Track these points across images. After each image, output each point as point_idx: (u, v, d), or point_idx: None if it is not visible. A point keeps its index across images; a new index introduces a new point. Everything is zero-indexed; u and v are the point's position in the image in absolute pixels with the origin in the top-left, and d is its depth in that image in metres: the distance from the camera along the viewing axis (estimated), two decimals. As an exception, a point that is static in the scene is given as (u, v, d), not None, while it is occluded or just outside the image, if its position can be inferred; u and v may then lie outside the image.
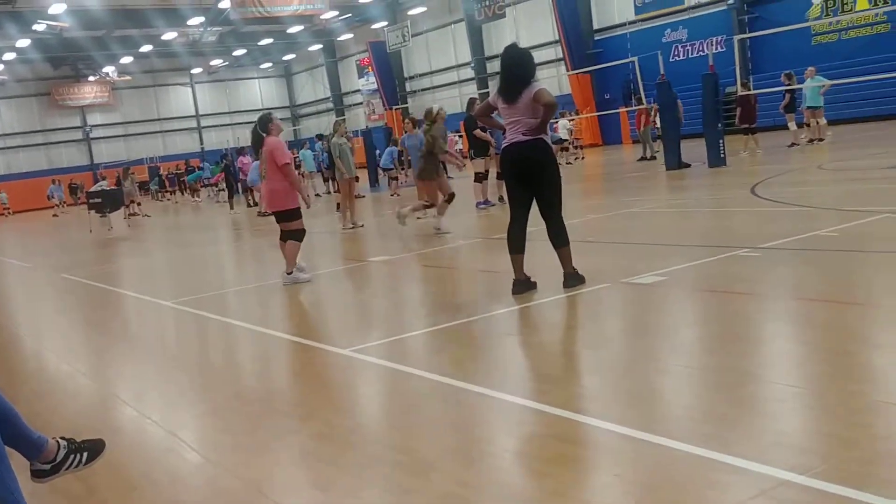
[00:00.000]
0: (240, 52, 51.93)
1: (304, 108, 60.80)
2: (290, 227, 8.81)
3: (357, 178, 14.83)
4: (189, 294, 9.03)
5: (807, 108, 19.62)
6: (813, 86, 19.25)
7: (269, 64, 58.38)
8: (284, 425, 4.33)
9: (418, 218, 13.97)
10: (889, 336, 4.63)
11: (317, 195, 25.14)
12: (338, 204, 18.02)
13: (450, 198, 11.89)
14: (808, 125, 19.83)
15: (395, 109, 42.26)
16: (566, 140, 26.08)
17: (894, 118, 24.18)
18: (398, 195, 20.70)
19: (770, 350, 4.68)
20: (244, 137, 26.21)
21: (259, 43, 48.66)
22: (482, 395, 4.32)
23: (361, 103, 52.01)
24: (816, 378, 4.06)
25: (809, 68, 19.86)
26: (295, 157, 26.57)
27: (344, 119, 15.62)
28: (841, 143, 18.66)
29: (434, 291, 7.89)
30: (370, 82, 49.56)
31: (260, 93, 60.54)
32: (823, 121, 19.63)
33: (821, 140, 19.32)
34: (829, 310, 5.29)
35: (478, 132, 14.32)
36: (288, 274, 8.82)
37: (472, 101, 14.98)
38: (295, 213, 8.79)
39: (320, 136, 24.75)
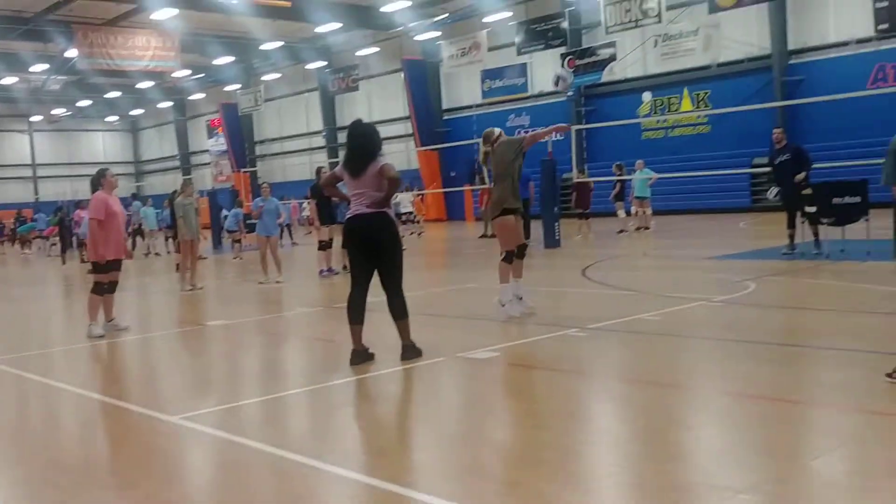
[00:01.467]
0: (85, 102, 49.71)
1: (150, 165, 58.80)
2: (95, 280, 9.11)
3: (199, 240, 14.45)
4: (9, 352, 8.40)
5: (635, 197, 21.04)
6: (641, 178, 20.71)
7: (116, 117, 56.25)
8: (100, 497, 4.09)
9: (259, 283, 13.74)
10: (699, 417, 4.98)
11: (155, 254, 24.23)
12: (177, 264, 17.45)
13: (507, 256, 8.83)
14: (636, 214, 21.22)
15: (244, 172, 41.65)
16: (410, 212, 26.64)
17: (713, 212, 26.31)
18: (241, 258, 20.27)
19: (593, 428, 4.91)
20: (83, 190, 24.93)
21: (106, 95, 46.86)
22: (314, 467, 4.27)
23: (209, 164, 50.93)
24: (634, 458, 4.29)
25: (638, 161, 21.37)
26: (129, 214, 25.56)
27: (190, 179, 15.26)
28: (665, 233, 20.07)
29: (270, 359, 7.75)
30: (219, 143, 48.73)
31: (104, 146, 58.08)
32: (649, 211, 21.07)
33: (647, 228, 20.70)
34: (647, 391, 5.63)
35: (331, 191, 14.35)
36: (90, 326, 9.02)
37: (320, 170, 15.14)
38: (98, 267, 9.05)
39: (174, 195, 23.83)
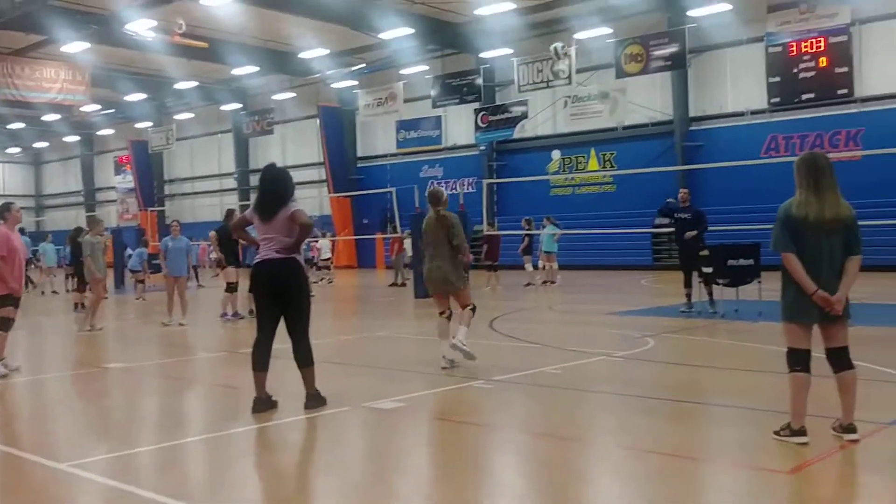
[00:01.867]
0: (-15, 133, 47.66)
1: (52, 200, 56.58)
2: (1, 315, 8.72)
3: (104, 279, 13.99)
4: None
5: (542, 252, 21.48)
6: (548, 233, 21.18)
7: (18, 149, 54.04)
8: (-24, 552, 3.86)
9: (163, 324, 13.34)
10: (597, 472, 5.08)
11: (53, 292, 23.26)
12: (76, 304, 16.81)
13: (472, 310, 8.81)
14: (543, 268, 21.64)
15: (151, 211, 40.62)
16: (329, 258, 26.47)
17: (616, 268, 27.07)
18: (144, 299, 19.66)
19: (495, 481, 4.94)
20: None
21: (8, 126, 45.06)
22: (209, 519, 4.14)
23: (115, 201, 49.43)
24: (533, 508, 4.34)
25: (546, 216, 21.87)
26: (35, 250, 24.60)
27: (99, 217, 14.77)
28: (570, 287, 20.51)
29: (169, 405, 7.50)
30: (127, 180, 47.44)
31: (3, 178, 55.62)
32: (556, 265, 21.53)
33: (553, 283, 21.11)
34: (549, 444, 5.71)
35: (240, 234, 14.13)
36: None
37: (230, 212, 14.91)
38: (1, 301, 8.68)
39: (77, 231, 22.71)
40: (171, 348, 11.39)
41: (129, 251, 25.72)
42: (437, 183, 33.98)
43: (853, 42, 23.76)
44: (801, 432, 5.18)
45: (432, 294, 8.79)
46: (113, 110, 42.67)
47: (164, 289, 14.11)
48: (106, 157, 50.93)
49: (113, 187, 50.13)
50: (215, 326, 13.72)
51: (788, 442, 5.19)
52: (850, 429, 5.22)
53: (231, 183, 42.81)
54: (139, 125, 44.52)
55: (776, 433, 5.30)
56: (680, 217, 13.34)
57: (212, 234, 14.72)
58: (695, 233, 12.98)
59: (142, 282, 20.93)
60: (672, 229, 13.87)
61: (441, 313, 8.67)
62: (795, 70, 24.48)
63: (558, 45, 26.68)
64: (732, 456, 5.19)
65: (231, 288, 14.36)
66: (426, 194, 9.00)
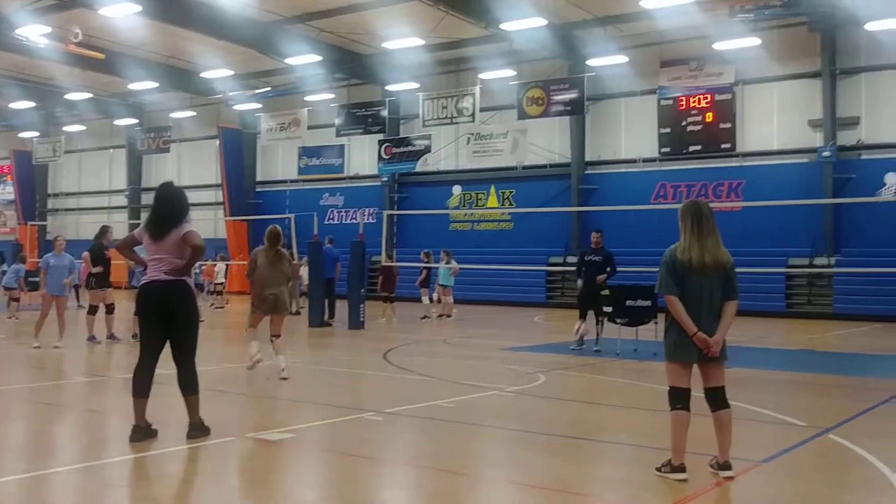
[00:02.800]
0: None
1: (-82, 207, 53.10)
2: None
3: None
4: None
5: (439, 285, 21.57)
6: (445, 267, 21.32)
7: None
8: None
9: (35, 347, 12.65)
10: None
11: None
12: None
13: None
14: (439, 301, 21.72)
15: (31, 225, 38.69)
16: (222, 283, 25.86)
17: (511, 304, 27.45)
18: (17, 318, 18.62)
19: (381, 514, 4.86)
20: None
21: None
22: (75, 553, 3.90)
23: (-8, 212, 46.85)
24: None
25: (444, 250, 22.03)
26: None
27: None
28: (465, 321, 20.64)
29: (40, 431, 7.07)
30: (6, 191, 45.05)
31: None
32: (451, 299, 21.65)
33: (448, 316, 21.20)
34: (439, 478, 5.67)
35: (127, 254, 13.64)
36: None
37: (104, 230, 14.30)
38: None
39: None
40: (43, 371, 10.80)
41: (3, 267, 24.33)
42: (338, 211, 33.79)
43: (736, 100, 25.18)
44: (681, 469, 5.34)
45: (262, 313, 10.06)
46: (-5, 117, 40.66)
47: (38, 308, 13.35)
48: (-15, 166, 48.33)
49: (-9, 198, 47.56)
50: (93, 349, 13.11)
51: (669, 478, 5.34)
52: (726, 466, 5.42)
53: (121, 200, 41.29)
54: (24, 134, 42.48)
55: (658, 469, 5.45)
56: (590, 259, 13.57)
57: (85, 254, 14.09)
58: (604, 277, 13.24)
59: (16, 300, 19.83)
60: (573, 269, 14.13)
61: (252, 326, 10.15)
62: (684, 123, 25.73)
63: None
64: (617, 492, 5.29)
65: (93, 310, 13.81)
66: (267, 232, 10.16)
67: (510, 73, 27.73)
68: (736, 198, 25.16)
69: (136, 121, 38.80)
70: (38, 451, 6.25)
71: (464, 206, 30.96)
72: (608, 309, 13.09)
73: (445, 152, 30.97)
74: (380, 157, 30.96)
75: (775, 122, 25.34)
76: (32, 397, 8.70)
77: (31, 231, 38.22)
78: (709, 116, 25.40)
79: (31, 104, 36.94)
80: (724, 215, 22.86)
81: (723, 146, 25.26)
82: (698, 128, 25.51)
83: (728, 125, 25.14)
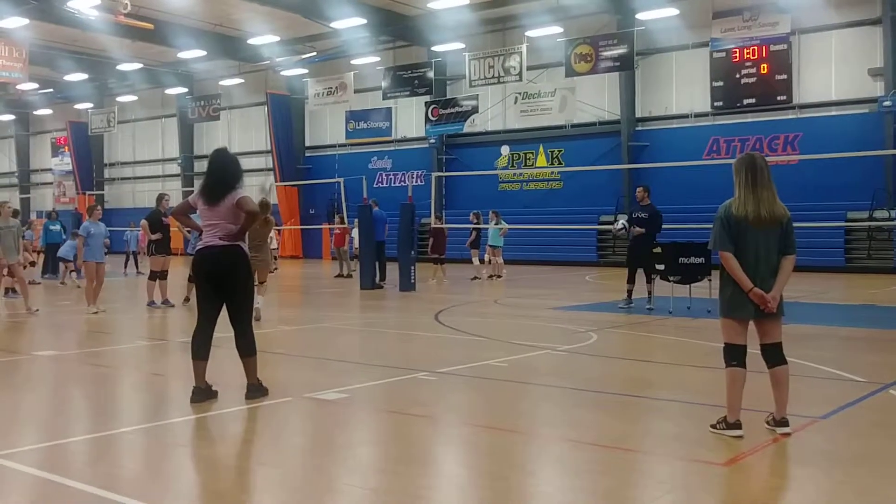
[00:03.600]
0: (-88, 108, 45.68)
1: (-17, 180, 54.70)
2: None
3: (32, 264, 13.64)
4: None
5: (489, 246, 21.57)
6: (494, 227, 21.29)
7: (-53, 127, 52.04)
8: None
9: (94, 313, 13.01)
10: (540, 463, 5.11)
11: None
12: (6, 289, 16.34)
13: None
14: (489, 262, 21.73)
15: (90, 195, 39.65)
16: (275, 248, 26.27)
17: (561, 264, 27.34)
18: (79, 286, 19.15)
19: (438, 473, 4.93)
20: None
21: (-62, 102, 43.39)
22: (143, 510, 4.05)
23: (52, 183, 48.05)
24: (476, 502, 4.34)
25: (493, 211, 21.98)
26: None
27: (3, 202, 14.24)
28: (515, 282, 20.63)
29: (103, 394, 7.31)
30: (65, 162, 46.12)
31: (-68, 156, 53.57)
32: (501, 260, 21.64)
33: (499, 277, 21.21)
34: (492, 436, 5.73)
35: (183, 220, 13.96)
36: None
37: (160, 197, 14.68)
38: None
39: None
40: (103, 336, 11.13)
41: (64, 236, 24.98)
42: (386, 175, 33.88)
43: (792, 50, 24.39)
44: (737, 425, 5.30)
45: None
46: (52, 90, 41.48)
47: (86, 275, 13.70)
48: (43, 138, 49.47)
49: (49, 169, 48.74)
50: (147, 314, 13.46)
51: (724, 435, 5.31)
52: (783, 422, 5.36)
53: (174, 168, 42.02)
54: (79, 106, 43.34)
55: (712, 426, 5.41)
56: (637, 216, 13.42)
57: (143, 222, 14.45)
58: (641, 231, 13.12)
59: (74, 271, 20.35)
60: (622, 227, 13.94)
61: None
62: (738, 75, 25.04)
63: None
64: (670, 448, 5.27)
65: (155, 275, 14.15)
66: (259, 203, 10.54)
67: (557, 29, 27.27)
68: (792, 151, 24.54)
69: (186, 89, 39.28)
70: (103, 413, 6.47)
71: (512, 166, 30.77)
72: (660, 267, 12.93)
73: (493, 112, 30.73)
74: (427, 119, 30.87)
75: (833, 72, 24.55)
76: (95, 361, 8.98)
77: (89, 201, 39.14)
78: (763, 68, 24.67)
79: (85, 76, 37.63)
80: (781, 169, 22.31)
81: (778, 98, 24.57)
82: (752, 80, 24.81)
83: (784, 77, 24.40)
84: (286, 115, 36.35)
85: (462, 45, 29.40)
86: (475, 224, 21.79)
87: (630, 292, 13.41)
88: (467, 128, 30.15)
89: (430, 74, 29.99)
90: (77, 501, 4.25)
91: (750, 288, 5.24)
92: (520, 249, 26.75)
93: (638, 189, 13.76)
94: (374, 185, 31.87)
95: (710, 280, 12.60)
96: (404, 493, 4.37)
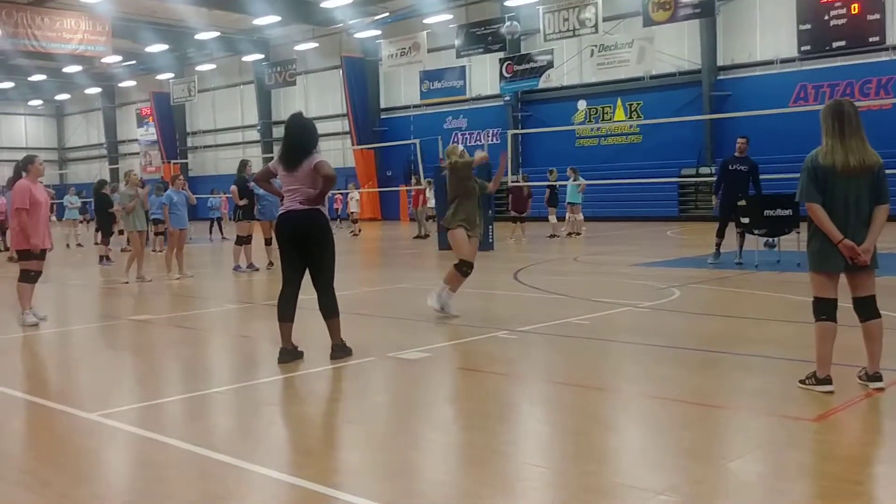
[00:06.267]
0: (6, 84, 47.70)
1: (75, 153, 57.00)
2: (21, 267, 9.03)
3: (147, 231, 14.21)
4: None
5: (567, 203, 21.35)
6: (572, 184, 21.03)
7: (40, 101, 54.16)
8: (12, 495, 3.95)
9: (185, 275, 13.45)
10: (623, 420, 5.09)
11: (78, 245, 23.53)
12: (101, 256, 17.07)
13: (468, 267, 8.73)
14: (568, 219, 21.53)
15: (174, 163, 40.84)
16: (355, 211, 26.66)
17: (642, 219, 26.89)
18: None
19: (520, 429, 4.96)
20: (3, 175, 23.98)
21: (30, 78, 45.07)
22: (236, 467, 4.20)
23: (138, 153, 49.67)
24: (559, 458, 4.36)
25: (571, 167, 21.70)
26: (55, 202, 24.74)
27: (130, 170, 14.79)
28: (595, 239, 20.41)
29: (195, 356, 7.60)
30: (149, 133, 47.59)
31: (25, 131, 56.00)
32: (580, 216, 21.41)
33: (578, 234, 21.02)
34: (574, 393, 5.72)
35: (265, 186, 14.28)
36: (23, 314, 8.94)
37: (243, 164, 14.99)
38: (25, 254, 8.93)
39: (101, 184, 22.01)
40: (192, 300, 11.52)
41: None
42: (461, 134, 33.78)
43: (887, -13, 23.09)
44: (827, 381, 5.15)
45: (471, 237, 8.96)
46: (134, 62, 42.64)
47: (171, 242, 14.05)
48: (128, 110, 51.06)
49: (135, 140, 50.37)
50: (234, 278, 13.84)
51: (813, 390, 5.17)
52: (876, 377, 5.19)
53: (254, 135, 42.84)
54: (161, 77, 44.47)
55: (801, 382, 5.28)
56: (736, 168, 12.92)
57: (233, 188, 14.78)
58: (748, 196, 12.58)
59: (161, 233, 21.03)
60: (710, 180, 13.49)
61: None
62: (826, 17, 23.82)
63: None
64: (758, 404, 5.17)
65: (241, 241, 14.49)
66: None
67: (634, -23, 26.49)
68: (886, 95, 23.36)
69: (262, 56, 39.85)
70: (195, 374, 6.72)
71: (590, 121, 30.26)
72: (745, 220, 12.55)
73: (568, 67, 30.19)
74: (501, 77, 30.55)
75: (931, 8, 23.17)
76: (186, 324, 9.32)
77: (174, 169, 40.31)
78: (854, 8, 23.38)
79: (165, 47, 38.53)
80: (874, 114, 21.27)
81: (870, 40, 23.31)
82: (842, 21, 23.57)
83: (877, 16, 23.10)
84: (361, 78, 36.53)
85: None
86: (551, 181, 21.57)
87: (718, 246, 13.08)
88: (543, 83, 29.71)
89: (504, 30, 29.59)
90: (174, 457, 4.44)
91: (840, 240, 5.04)
92: (599, 206, 26.42)
93: (740, 140, 13.04)
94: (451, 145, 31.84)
95: (798, 233, 12.20)
96: (487, 448, 4.42)
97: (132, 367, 7.23)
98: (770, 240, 13.10)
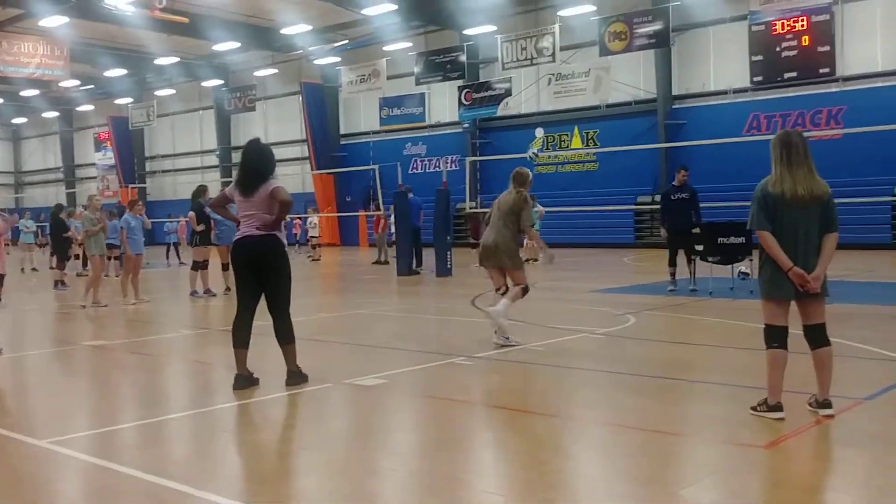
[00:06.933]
0: (-38, 108, 46.79)
1: (31, 176, 55.98)
2: None
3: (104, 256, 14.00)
4: None
5: (527, 230, 21.49)
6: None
7: (-4, 125, 53.27)
8: (-46, 528, 3.84)
9: (145, 301, 13.26)
10: (579, 447, 5.12)
11: (33, 269, 23.08)
12: (56, 281, 16.79)
13: (524, 291, 8.69)
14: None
15: (132, 188, 40.36)
16: (316, 235, 26.58)
17: (598, 246, 27.16)
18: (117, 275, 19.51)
19: (478, 457, 4.96)
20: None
21: (-14, 101, 44.33)
22: (190, 495, 4.14)
23: (96, 177, 48.97)
24: (517, 486, 4.36)
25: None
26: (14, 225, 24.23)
27: (92, 195, 14.73)
28: (552, 265, 20.52)
29: (150, 382, 7.47)
30: (107, 157, 47.00)
31: (-19, 154, 54.92)
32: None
33: (535, 260, 21.14)
34: (531, 420, 5.74)
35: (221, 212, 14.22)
36: None
37: (201, 189, 14.92)
38: None
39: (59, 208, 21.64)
40: (148, 325, 11.35)
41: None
42: (420, 160, 33.93)
43: (835, 21, 23.81)
44: (778, 408, 5.24)
45: (484, 266, 8.89)
46: (93, 86, 42.18)
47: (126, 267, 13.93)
48: (86, 134, 50.39)
49: (93, 164, 49.67)
50: (190, 304, 13.68)
51: (765, 417, 5.25)
52: (826, 404, 5.29)
53: (213, 160, 42.53)
54: (119, 101, 44.04)
55: (753, 409, 5.36)
56: (679, 197, 13.19)
57: (191, 214, 14.66)
58: (697, 226, 12.86)
59: (117, 258, 20.70)
60: (661, 207, 13.69)
61: (497, 289, 8.77)
62: (778, 48, 24.49)
63: None
64: (711, 431, 5.24)
65: (198, 266, 14.38)
66: (512, 174, 9.22)
67: (591, 8, 26.99)
68: (836, 125, 24.03)
69: (221, 81, 39.71)
70: (150, 400, 6.62)
71: (547, 148, 30.59)
72: (699, 247, 12.77)
73: (526, 95, 30.56)
74: (460, 104, 30.82)
75: (879, 42, 23.95)
76: (141, 350, 9.16)
77: (132, 194, 39.82)
78: (805, 40, 24.07)
79: (124, 71, 38.21)
80: (824, 144, 21.87)
81: (821, 71, 23.97)
82: (794, 53, 24.24)
83: (826, 48, 23.79)
84: (320, 104, 36.56)
85: (494, 28, 29.24)
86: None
87: (674, 274, 13.28)
88: (501, 111, 30.03)
89: (463, 58, 29.90)
90: (127, 486, 4.36)
91: (789, 268, 5.15)
92: (557, 232, 26.63)
93: (682, 171, 13.42)
94: (409, 171, 31.93)
95: (750, 260, 12.43)
96: (445, 477, 4.41)
97: (86, 394, 7.09)
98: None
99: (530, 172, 9.21)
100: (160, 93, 42.67)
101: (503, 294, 8.62)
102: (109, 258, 18.92)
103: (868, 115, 22.36)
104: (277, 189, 6.41)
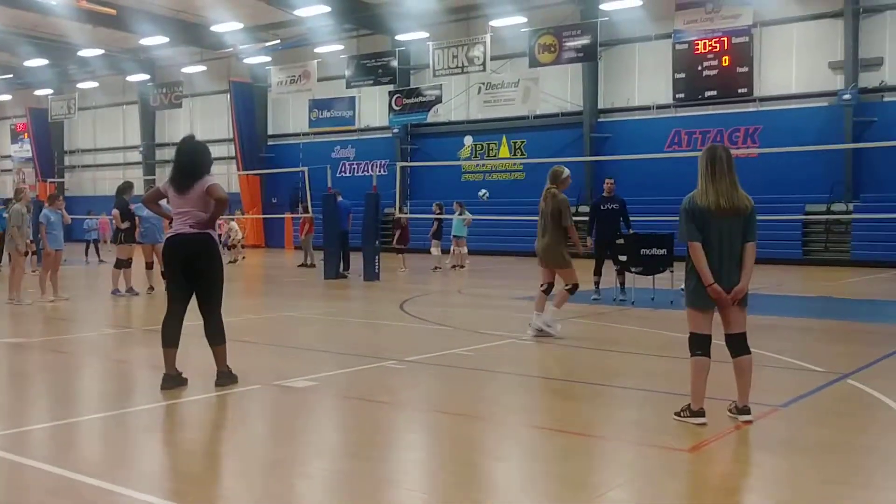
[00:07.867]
0: None
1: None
2: None
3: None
4: None
5: (453, 236, 21.65)
6: (458, 218, 21.38)
7: None
8: None
9: (65, 299, 12.83)
10: (506, 449, 5.21)
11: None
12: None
13: (573, 288, 9.41)
14: (453, 252, 21.81)
15: (50, 182, 38.98)
16: (240, 238, 26.11)
17: (525, 254, 27.47)
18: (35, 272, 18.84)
19: (406, 458, 5.00)
20: None
21: None
22: (116, 493, 4.06)
23: (11, 170, 47.08)
24: (445, 487, 4.42)
25: (457, 201, 22.04)
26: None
27: (22, 188, 14.28)
28: (479, 272, 20.74)
29: (73, 382, 7.27)
30: (24, 149, 45.25)
31: None
32: (465, 250, 21.73)
33: (462, 267, 21.32)
34: (459, 423, 5.81)
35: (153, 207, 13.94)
36: None
37: (127, 186, 14.58)
38: None
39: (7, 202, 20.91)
40: (69, 324, 11.02)
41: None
42: (349, 164, 33.78)
43: (754, 43, 24.74)
44: (700, 413, 5.44)
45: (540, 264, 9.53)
46: (11, 75, 40.62)
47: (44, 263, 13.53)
48: (2, 125, 48.42)
49: (9, 156, 47.73)
50: (112, 302, 13.34)
51: (688, 422, 5.44)
52: (745, 411, 5.51)
53: (136, 156, 41.41)
54: (39, 92, 42.49)
55: (677, 414, 5.55)
56: (607, 208, 13.50)
57: (115, 211, 14.30)
58: (623, 235, 13.21)
59: (35, 253, 19.98)
60: (590, 219, 13.94)
61: (541, 285, 9.45)
62: (700, 67, 25.28)
63: None
64: (636, 435, 5.40)
65: (121, 264, 14.06)
66: (549, 172, 9.82)
67: (521, 19, 27.38)
68: (753, 144, 24.95)
69: (147, 76, 38.73)
70: (73, 399, 6.44)
71: (475, 156, 30.85)
72: (622, 258, 13.10)
73: (456, 102, 30.76)
74: (390, 109, 30.80)
75: (794, 65, 24.96)
76: (64, 348, 8.89)
77: (49, 188, 38.48)
78: (725, 60, 24.90)
79: (45, 62, 36.91)
80: (740, 162, 22.30)
81: (739, 91, 24.82)
82: (714, 72, 25.05)
83: (745, 69, 24.67)
84: (249, 103, 36.03)
85: (426, 35, 29.36)
86: (438, 215, 21.86)
87: (598, 283, 13.56)
88: (431, 118, 30.14)
89: (394, 63, 29.91)
90: (45, 483, 4.24)
91: (709, 283, 5.35)
92: (484, 240, 26.86)
93: (608, 181, 13.85)
94: (338, 175, 31.72)
95: (672, 271, 12.81)
96: (374, 477, 4.44)
97: (4, 392, 6.84)
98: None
99: (566, 169, 9.89)
100: (82, 85, 41.34)
101: (545, 291, 9.38)
102: (26, 253, 18.30)
103: (782, 136, 23.32)
104: (213, 186, 6.33)
